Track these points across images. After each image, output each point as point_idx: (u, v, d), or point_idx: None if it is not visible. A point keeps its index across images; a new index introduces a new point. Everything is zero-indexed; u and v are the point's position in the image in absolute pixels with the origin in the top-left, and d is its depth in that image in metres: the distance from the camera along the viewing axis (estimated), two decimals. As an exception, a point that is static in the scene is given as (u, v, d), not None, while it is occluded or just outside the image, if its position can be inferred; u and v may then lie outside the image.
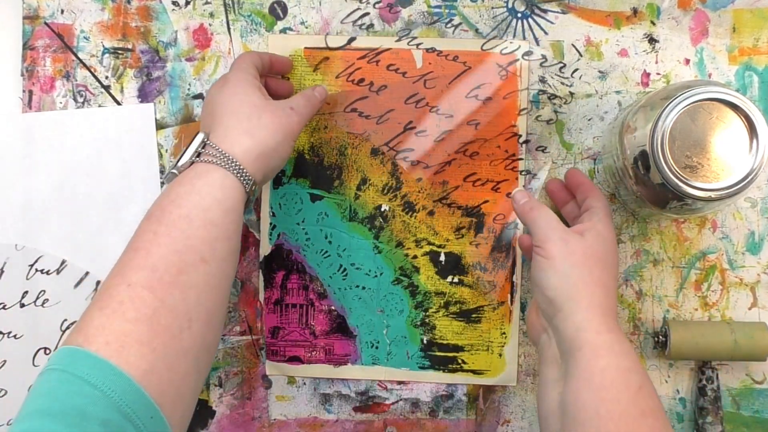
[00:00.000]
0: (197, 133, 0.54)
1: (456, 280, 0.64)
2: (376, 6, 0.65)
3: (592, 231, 0.54)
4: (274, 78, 0.63)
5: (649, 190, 0.54)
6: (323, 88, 0.62)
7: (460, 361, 0.64)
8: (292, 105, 0.57)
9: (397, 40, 0.64)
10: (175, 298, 0.47)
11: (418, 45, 0.64)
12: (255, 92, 0.55)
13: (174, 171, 0.52)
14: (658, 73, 0.64)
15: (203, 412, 0.65)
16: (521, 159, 0.64)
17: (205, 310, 0.48)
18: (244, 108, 0.54)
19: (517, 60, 0.64)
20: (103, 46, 0.65)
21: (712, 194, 0.51)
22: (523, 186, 0.64)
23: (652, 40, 0.64)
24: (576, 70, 0.64)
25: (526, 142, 0.64)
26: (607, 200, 0.58)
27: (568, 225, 0.56)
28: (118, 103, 0.65)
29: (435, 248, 0.64)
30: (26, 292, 0.64)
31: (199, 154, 0.52)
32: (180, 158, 0.53)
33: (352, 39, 0.64)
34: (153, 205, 0.51)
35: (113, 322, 0.45)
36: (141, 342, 0.44)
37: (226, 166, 0.51)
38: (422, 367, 0.64)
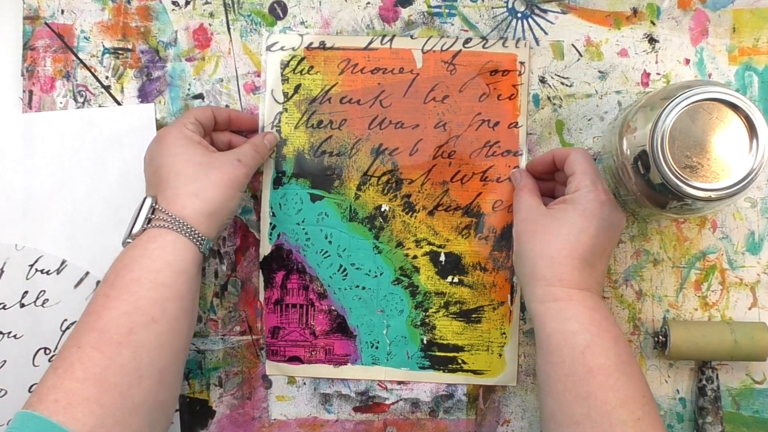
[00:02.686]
0: (145, 197, 0.55)
1: (456, 280, 0.64)
2: (376, 6, 0.65)
3: (566, 204, 0.55)
4: (238, 116, 0.63)
5: (649, 190, 0.54)
6: (274, 135, 0.63)
7: (460, 361, 0.64)
8: (239, 156, 0.58)
9: (397, 40, 0.64)
10: (125, 356, 0.49)
11: (418, 45, 0.64)
12: (197, 149, 0.56)
13: (129, 240, 0.54)
14: (658, 73, 0.64)
15: (203, 412, 0.65)
16: (521, 157, 0.64)
17: (156, 367, 0.50)
18: (188, 168, 0.55)
19: (517, 60, 0.64)
20: (104, 46, 0.65)
21: (712, 194, 0.51)
22: None
23: (652, 40, 0.64)
24: (576, 70, 0.64)
25: (527, 141, 0.64)
26: (587, 158, 0.57)
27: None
28: (119, 103, 0.65)
29: (435, 248, 0.64)
30: (26, 292, 0.64)
31: (149, 220, 0.54)
32: (132, 226, 0.54)
33: (352, 39, 0.64)
34: (109, 269, 0.53)
35: (63, 381, 0.47)
36: (89, 399, 0.47)
37: (178, 229, 0.53)
38: (422, 367, 0.64)
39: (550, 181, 0.62)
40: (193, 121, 0.58)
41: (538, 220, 0.56)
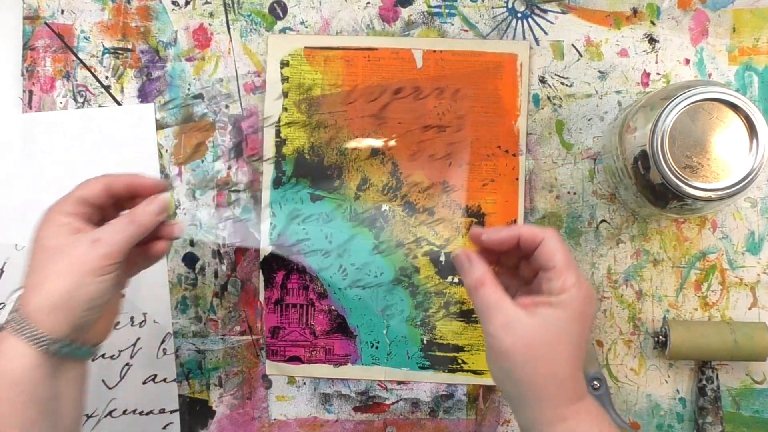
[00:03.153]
0: (19, 287, 0.49)
1: (456, 280, 0.64)
2: (376, 6, 0.65)
3: (553, 309, 0.47)
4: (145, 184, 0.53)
5: (649, 190, 0.54)
6: (162, 201, 0.51)
7: (460, 361, 0.64)
8: (99, 236, 0.48)
9: (397, 40, 0.64)
10: None
11: (418, 45, 0.64)
12: (56, 231, 0.49)
13: None
14: (658, 73, 0.64)
15: (203, 412, 0.65)
16: (522, 157, 0.64)
17: None
18: (39, 256, 0.48)
19: (517, 60, 0.64)
20: (103, 46, 0.65)
21: (712, 194, 0.51)
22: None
23: (652, 40, 0.64)
24: (576, 70, 0.64)
25: (526, 142, 0.64)
26: (563, 246, 0.48)
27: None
28: (118, 103, 0.65)
29: (435, 248, 0.64)
30: (26, 292, 0.64)
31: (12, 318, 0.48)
32: None
33: (352, 39, 0.64)
34: None
35: None
36: None
37: (17, 330, 0.46)
38: (422, 367, 0.64)
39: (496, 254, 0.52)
40: (73, 201, 0.50)
41: (527, 334, 0.47)
